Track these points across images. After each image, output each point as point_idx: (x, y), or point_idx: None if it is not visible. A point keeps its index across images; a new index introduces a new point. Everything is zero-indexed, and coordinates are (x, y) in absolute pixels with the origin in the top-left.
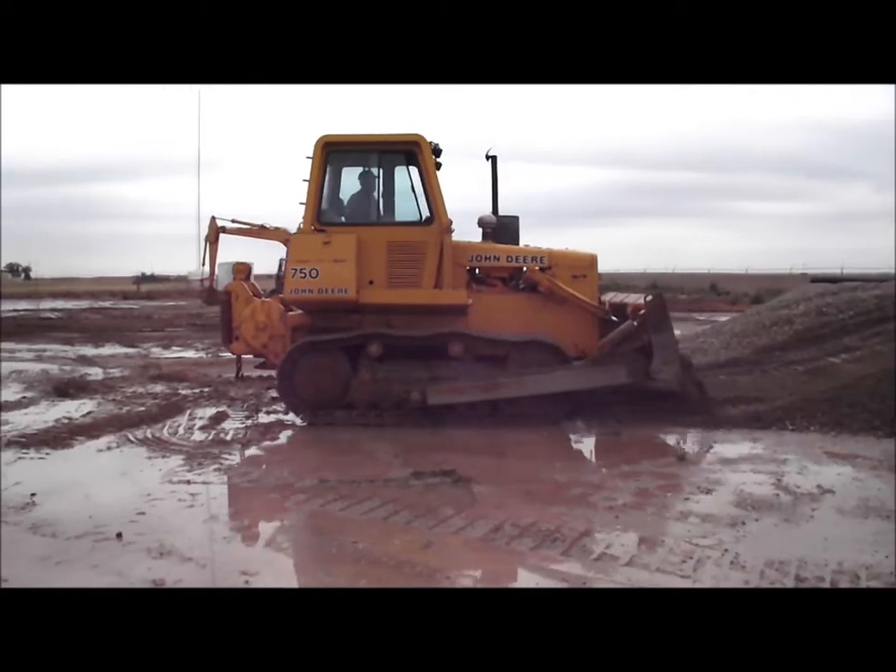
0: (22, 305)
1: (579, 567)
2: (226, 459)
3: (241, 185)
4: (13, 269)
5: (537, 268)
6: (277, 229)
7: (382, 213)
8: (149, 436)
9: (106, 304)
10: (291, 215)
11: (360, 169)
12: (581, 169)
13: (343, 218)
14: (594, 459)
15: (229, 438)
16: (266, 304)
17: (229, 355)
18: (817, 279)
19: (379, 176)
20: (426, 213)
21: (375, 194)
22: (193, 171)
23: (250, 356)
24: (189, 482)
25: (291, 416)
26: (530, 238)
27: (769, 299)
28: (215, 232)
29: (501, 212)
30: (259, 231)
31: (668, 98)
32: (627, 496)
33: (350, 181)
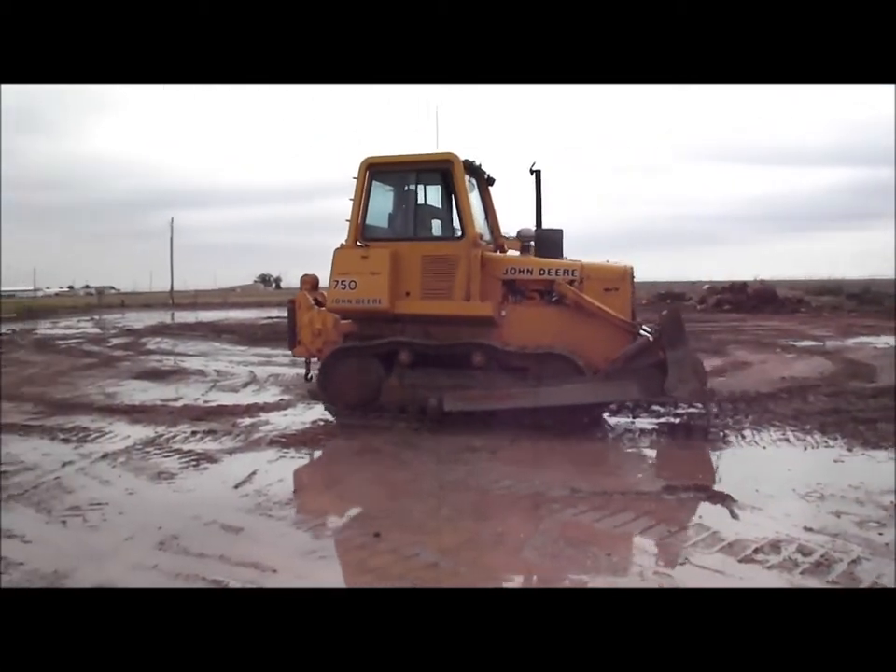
0: (275, 313)
1: None
2: (476, 465)
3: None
4: (265, 279)
5: (566, 280)
6: (512, 238)
7: (417, 228)
8: (400, 440)
9: None
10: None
11: (400, 187)
12: (831, 169)
13: (383, 234)
14: (857, 478)
15: (478, 445)
16: (322, 313)
17: None
18: None
19: (416, 194)
20: (458, 228)
21: (412, 211)
22: None
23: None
24: (441, 486)
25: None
26: (763, 244)
27: None
28: None
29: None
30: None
31: None
32: None
33: (390, 199)
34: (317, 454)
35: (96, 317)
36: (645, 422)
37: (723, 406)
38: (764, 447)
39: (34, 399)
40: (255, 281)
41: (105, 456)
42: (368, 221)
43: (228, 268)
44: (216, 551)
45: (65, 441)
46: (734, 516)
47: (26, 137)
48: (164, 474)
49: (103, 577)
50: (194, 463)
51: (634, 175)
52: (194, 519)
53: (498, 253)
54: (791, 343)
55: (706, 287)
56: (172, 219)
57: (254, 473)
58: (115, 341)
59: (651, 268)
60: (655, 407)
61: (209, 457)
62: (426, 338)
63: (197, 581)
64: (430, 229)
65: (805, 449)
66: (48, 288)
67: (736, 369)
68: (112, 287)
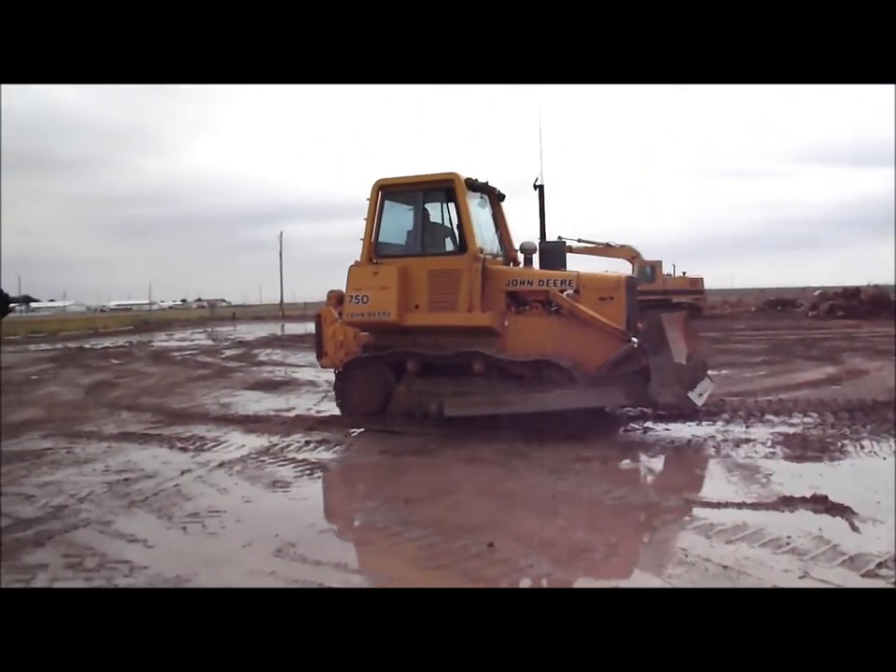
0: None
1: None
2: (588, 475)
3: (581, 204)
4: None
5: (561, 291)
6: (623, 246)
7: (425, 245)
8: (510, 449)
9: None
10: (634, 232)
11: (409, 206)
12: None
13: (394, 251)
14: None
15: (588, 455)
16: (344, 326)
17: None
18: None
19: (423, 212)
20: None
21: (420, 228)
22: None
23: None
24: (552, 496)
25: (661, 432)
26: (873, 248)
27: None
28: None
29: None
30: (605, 250)
31: None
32: None
33: (401, 217)
34: (428, 463)
35: (209, 329)
36: (759, 432)
37: (840, 415)
38: (884, 458)
39: (152, 409)
40: None
41: (221, 465)
42: (380, 239)
43: (336, 280)
44: (332, 558)
45: (183, 449)
46: (854, 529)
47: (137, 156)
48: (280, 483)
49: (221, 582)
50: (308, 472)
51: (750, 180)
52: (310, 527)
53: (511, 266)
54: None
55: (817, 292)
56: (281, 233)
57: (367, 482)
58: (227, 352)
59: (759, 274)
60: (769, 417)
61: (323, 466)
62: (436, 348)
63: (314, 587)
64: (438, 245)
65: None
66: (162, 302)
67: (852, 377)
68: (223, 300)
